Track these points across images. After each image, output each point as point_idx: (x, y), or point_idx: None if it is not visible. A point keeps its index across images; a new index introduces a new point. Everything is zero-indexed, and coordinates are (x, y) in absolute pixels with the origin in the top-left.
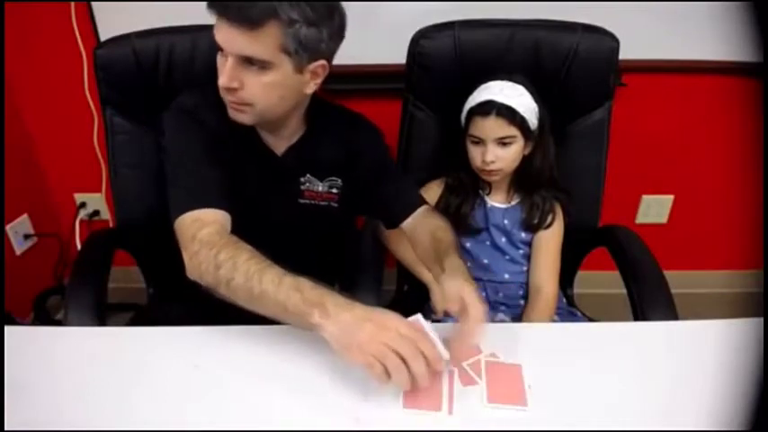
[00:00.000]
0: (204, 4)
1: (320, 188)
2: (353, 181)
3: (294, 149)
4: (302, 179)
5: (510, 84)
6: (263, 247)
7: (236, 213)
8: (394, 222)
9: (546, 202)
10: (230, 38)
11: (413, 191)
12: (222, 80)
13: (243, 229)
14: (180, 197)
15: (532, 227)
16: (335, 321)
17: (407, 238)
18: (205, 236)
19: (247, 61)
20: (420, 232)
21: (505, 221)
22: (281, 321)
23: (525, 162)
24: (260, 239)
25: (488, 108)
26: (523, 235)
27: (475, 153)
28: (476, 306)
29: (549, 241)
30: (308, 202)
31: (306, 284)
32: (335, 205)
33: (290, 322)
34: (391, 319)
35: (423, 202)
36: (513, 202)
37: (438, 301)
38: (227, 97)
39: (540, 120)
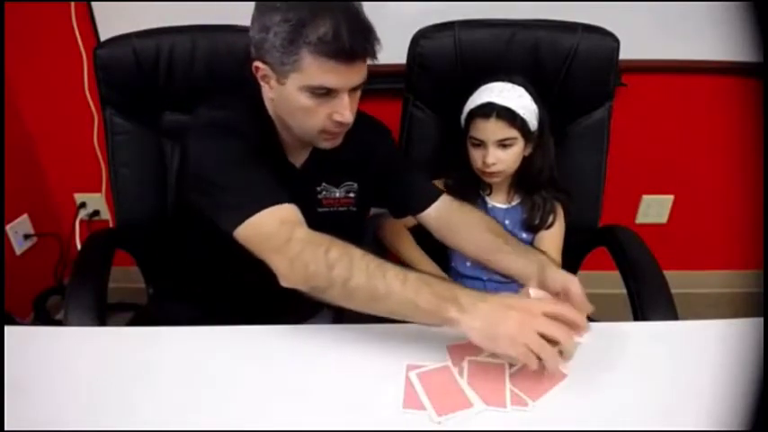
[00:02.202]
0: (204, 4)
1: (337, 194)
2: (368, 181)
3: (311, 160)
4: (318, 188)
5: (510, 85)
6: None
7: None
8: (412, 212)
9: (547, 203)
10: (353, 76)
11: (428, 181)
12: (348, 117)
13: None
14: (239, 201)
15: (534, 227)
16: (475, 314)
17: (434, 228)
18: (304, 235)
19: (354, 88)
20: (459, 224)
21: (506, 222)
22: (407, 320)
23: (526, 163)
24: None
25: (488, 110)
26: (525, 235)
27: (476, 155)
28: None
29: (551, 241)
30: (326, 210)
31: (432, 279)
32: (354, 209)
33: (418, 320)
34: (532, 302)
35: (440, 191)
36: (514, 203)
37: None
38: (333, 129)
39: (540, 121)
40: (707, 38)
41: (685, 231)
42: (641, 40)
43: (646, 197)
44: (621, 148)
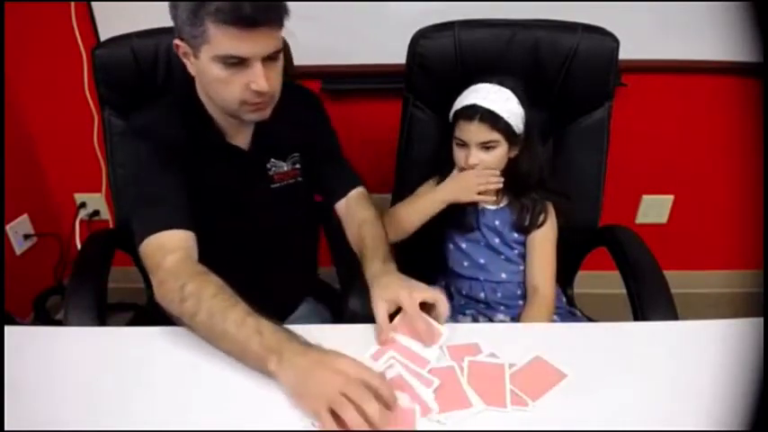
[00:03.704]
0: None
1: (286, 168)
2: (308, 149)
3: (255, 140)
4: (268, 165)
5: (497, 88)
6: (248, 247)
7: (217, 219)
8: (332, 201)
9: (536, 204)
10: (260, 43)
11: (352, 172)
12: (263, 85)
13: (226, 235)
14: (141, 221)
15: (523, 228)
16: (290, 369)
17: (339, 216)
18: (171, 265)
19: (268, 58)
20: (350, 220)
21: (496, 222)
22: (241, 362)
23: (512, 164)
24: (244, 239)
25: (472, 112)
26: (516, 235)
27: (459, 155)
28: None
29: (543, 241)
30: (278, 185)
31: (267, 328)
32: (301, 179)
33: (248, 365)
34: (342, 362)
35: (359, 184)
36: (503, 204)
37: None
38: (253, 100)
39: (527, 124)
40: (707, 38)
41: (685, 231)
42: (641, 40)
43: (646, 197)
44: (621, 148)
